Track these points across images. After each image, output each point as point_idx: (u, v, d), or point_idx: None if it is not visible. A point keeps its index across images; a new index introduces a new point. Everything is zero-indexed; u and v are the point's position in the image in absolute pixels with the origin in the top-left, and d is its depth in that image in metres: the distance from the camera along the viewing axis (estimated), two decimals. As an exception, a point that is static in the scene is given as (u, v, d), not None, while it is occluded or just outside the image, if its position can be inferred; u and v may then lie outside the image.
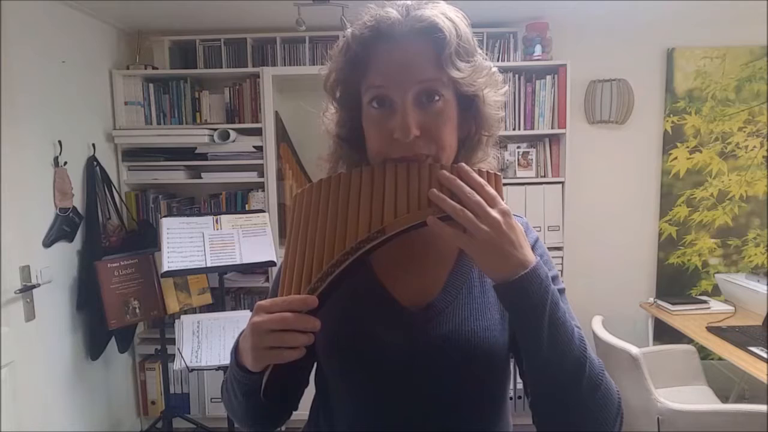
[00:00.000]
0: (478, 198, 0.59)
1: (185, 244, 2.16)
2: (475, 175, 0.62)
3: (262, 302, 0.61)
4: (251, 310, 2.31)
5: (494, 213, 0.59)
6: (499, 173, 0.65)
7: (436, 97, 0.65)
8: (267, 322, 0.59)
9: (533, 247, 0.75)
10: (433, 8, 0.66)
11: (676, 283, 3.02)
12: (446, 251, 0.74)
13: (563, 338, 0.60)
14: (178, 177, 2.76)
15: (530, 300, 0.59)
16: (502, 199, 0.62)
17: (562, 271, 2.74)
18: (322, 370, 0.78)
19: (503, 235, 0.59)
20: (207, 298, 2.45)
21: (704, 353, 2.57)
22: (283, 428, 3.14)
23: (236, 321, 2.20)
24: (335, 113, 0.75)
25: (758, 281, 2.58)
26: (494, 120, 0.72)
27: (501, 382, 0.74)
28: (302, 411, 0.85)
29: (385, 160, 0.66)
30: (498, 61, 2.71)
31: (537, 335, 0.60)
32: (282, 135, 2.80)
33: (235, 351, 0.69)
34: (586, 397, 0.62)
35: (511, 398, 0.67)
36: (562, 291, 0.73)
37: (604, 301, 2.84)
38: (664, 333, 2.81)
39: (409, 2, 0.67)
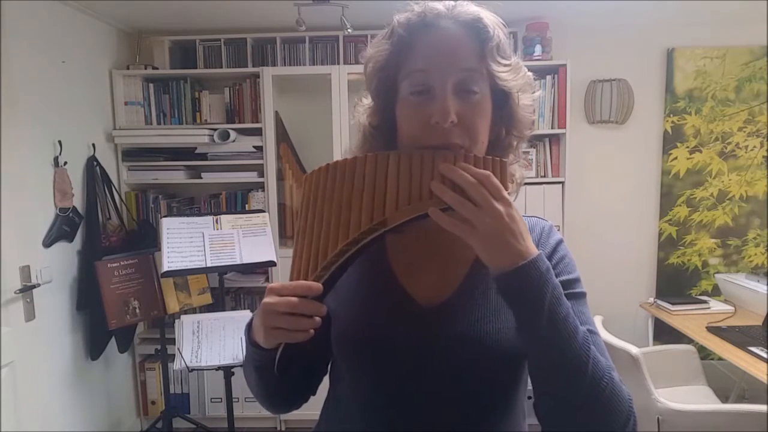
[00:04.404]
0: (482, 189, 0.59)
1: (185, 244, 2.16)
2: (478, 170, 0.61)
3: (273, 285, 0.63)
4: (251, 311, 2.32)
5: (497, 204, 0.59)
6: (505, 160, 0.65)
7: (475, 90, 0.66)
8: (276, 304, 0.61)
9: (555, 249, 0.75)
10: (476, 6, 0.69)
11: (676, 283, 3.02)
12: (465, 250, 0.73)
13: (563, 334, 0.59)
14: (178, 177, 2.76)
15: (528, 291, 0.59)
16: (507, 187, 0.62)
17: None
18: (336, 366, 0.79)
19: (505, 226, 0.59)
20: (207, 298, 2.45)
21: (704, 353, 2.57)
22: (283, 428, 3.11)
23: (236, 321, 2.19)
24: (369, 103, 0.75)
25: (758, 281, 2.57)
26: (526, 122, 0.73)
27: (515, 383, 0.73)
28: (311, 411, 0.86)
29: (418, 148, 0.66)
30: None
31: (535, 328, 0.60)
32: (282, 135, 2.80)
33: (249, 327, 0.71)
34: (589, 398, 0.60)
35: (529, 398, 0.67)
36: (582, 295, 0.73)
37: (604, 301, 2.84)
38: (664, 333, 2.81)
39: (450, 2, 0.69)
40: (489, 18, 0.68)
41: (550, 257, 0.74)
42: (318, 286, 0.62)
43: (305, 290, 0.62)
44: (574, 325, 0.61)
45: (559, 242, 0.77)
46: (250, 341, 0.70)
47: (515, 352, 0.69)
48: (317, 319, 0.62)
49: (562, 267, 0.74)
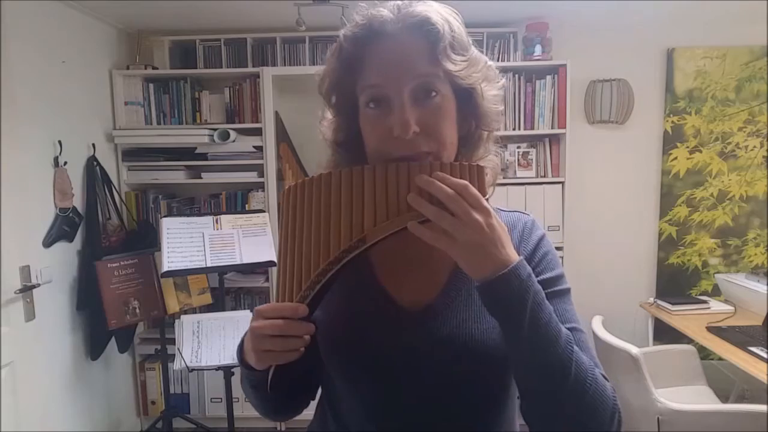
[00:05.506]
0: (460, 200, 0.58)
1: (185, 244, 2.16)
2: (455, 180, 0.60)
3: (260, 307, 0.64)
4: (251, 311, 2.30)
5: (476, 215, 0.58)
6: (481, 164, 0.64)
7: (433, 93, 0.65)
8: (263, 327, 0.61)
9: (538, 246, 0.74)
10: (424, 5, 0.66)
11: (676, 283, 3.02)
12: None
13: (545, 339, 0.60)
14: (178, 177, 2.76)
15: (509, 299, 0.59)
16: (485, 193, 0.62)
17: (562, 271, 2.75)
18: (326, 368, 0.79)
19: (486, 236, 0.58)
20: (207, 298, 2.45)
21: (704, 353, 2.56)
22: (283, 428, 3.10)
23: (236, 321, 2.19)
24: (332, 120, 0.74)
25: (758, 281, 2.57)
26: (493, 114, 0.71)
27: (503, 384, 0.73)
28: (311, 411, 0.85)
29: (385, 160, 0.66)
30: (498, 61, 2.70)
31: (517, 334, 0.60)
32: (282, 135, 2.80)
33: (240, 349, 0.71)
34: (573, 399, 0.60)
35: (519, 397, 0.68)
36: (566, 292, 0.73)
37: (604, 301, 2.84)
38: (664, 333, 2.81)
39: (399, 1, 0.67)
40: (438, 15, 0.65)
41: (532, 254, 0.74)
42: (303, 307, 0.62)
43: (291, 312, 0.62)
44: (556, 329, 0.61)
45: (542, 238, 0.76)
46: (243, 363, 0.70)
47: (501, 353, 0.68)
48: (306, 337, 0.62)
49: (544, 264, 0.73)
